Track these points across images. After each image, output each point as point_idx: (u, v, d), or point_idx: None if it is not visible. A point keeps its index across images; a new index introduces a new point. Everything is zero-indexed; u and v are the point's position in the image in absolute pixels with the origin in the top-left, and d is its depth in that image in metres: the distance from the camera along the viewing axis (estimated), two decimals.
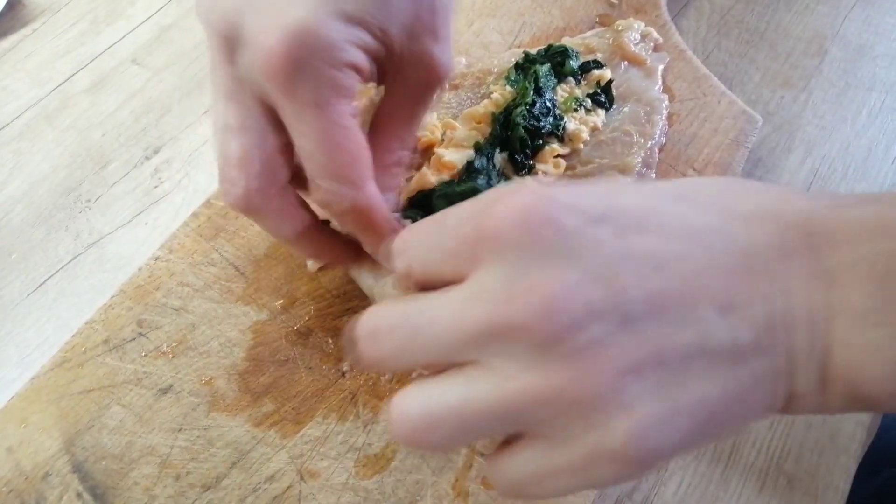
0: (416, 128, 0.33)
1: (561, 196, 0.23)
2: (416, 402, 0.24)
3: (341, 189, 0.29)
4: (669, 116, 0.47)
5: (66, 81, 0.54)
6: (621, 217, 0.24)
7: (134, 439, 0.36)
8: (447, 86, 0.44)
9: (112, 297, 0.40)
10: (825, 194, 0.24)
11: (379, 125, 0.33)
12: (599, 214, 0.23)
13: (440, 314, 0.24)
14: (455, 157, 0.41)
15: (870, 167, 0.49)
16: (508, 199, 0.23)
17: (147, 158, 0.49)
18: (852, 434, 0.39)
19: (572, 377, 0.22)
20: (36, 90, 0.53)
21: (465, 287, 0.24)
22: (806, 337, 0.23)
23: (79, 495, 0.34)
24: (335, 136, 0.28)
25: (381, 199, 0.31)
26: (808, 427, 0.39)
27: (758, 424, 0.39)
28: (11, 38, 0.56)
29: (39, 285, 0.44)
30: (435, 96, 0.33)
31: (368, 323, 0.25)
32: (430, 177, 0.42)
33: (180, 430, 0.36)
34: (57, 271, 0.45)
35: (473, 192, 0.40)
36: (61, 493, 0.34)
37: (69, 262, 0.45)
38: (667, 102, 0.47)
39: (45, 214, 0.47)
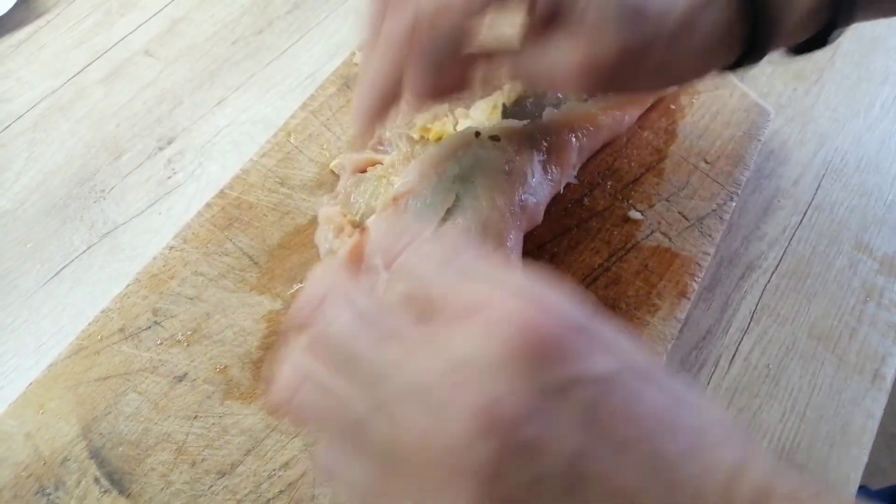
0: None
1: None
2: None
3: None
4: (681, 109, 0.47)
5: (80, 72, 0.54)
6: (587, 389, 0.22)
7: (150, 426, 0.36)
8: None
9: (127, 285, 0.40)
10: (789, 474, 0.22)
11: None
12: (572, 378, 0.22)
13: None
14: None
15: (882, 160, 0.49)
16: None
17: (160, 149, 0.50)
18: (863, 426, 0.39)
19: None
20: (50, 81, 0.53)
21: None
22: None
23: (96, 480, 0.35)
24: None
25: None
26: (819, 419, 0.39)
27: (768, 416, 0.39)
28: (26, 29, 0.56)
29: (55, 274, 0.44)
30: None
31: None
32: None
33: (196, 417, 0.36)
34: (72, 261, 0.45)
35: None
36: (79, 479, 0.35)
37: (84, 251, 0.45)
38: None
39: (60, 205, 0.47)
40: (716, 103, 0.48)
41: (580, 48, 0.30)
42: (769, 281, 0.44)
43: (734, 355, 0.41)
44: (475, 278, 0.24)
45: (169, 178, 0.48)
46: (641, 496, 0.21)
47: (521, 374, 0.21)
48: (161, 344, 0.39)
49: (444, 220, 0.38)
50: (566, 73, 0.31)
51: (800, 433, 0.38)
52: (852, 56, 0.54)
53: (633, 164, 0.45)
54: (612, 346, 0.23)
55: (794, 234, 0.45)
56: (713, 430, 0.23)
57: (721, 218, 0.43)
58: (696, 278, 0.41)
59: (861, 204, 0.47)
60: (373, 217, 0.40)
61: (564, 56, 0.31)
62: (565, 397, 0.21)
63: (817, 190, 0.47)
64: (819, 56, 0.54)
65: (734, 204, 0.44)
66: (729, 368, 0.40)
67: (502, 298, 0.23)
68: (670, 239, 0.42)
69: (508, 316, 0.22)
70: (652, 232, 0.42)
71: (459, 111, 0.45)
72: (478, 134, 0.41)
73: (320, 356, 0.24)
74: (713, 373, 0.41)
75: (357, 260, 0.39)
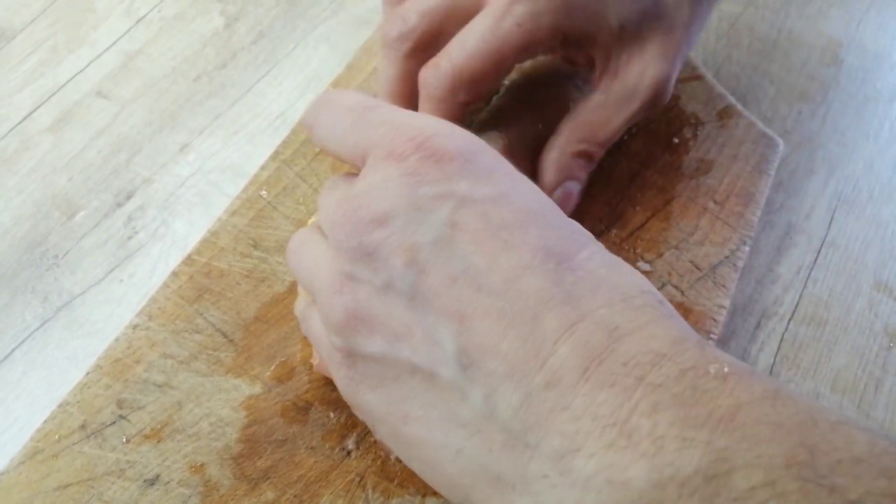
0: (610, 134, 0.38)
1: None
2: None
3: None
4: (685, 142, 0.44)
5: (25, 119, 0.49)
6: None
7: None
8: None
9: (87, 373, 0.36)
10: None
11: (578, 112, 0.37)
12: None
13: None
14: None
15: (895, 188, 0.46)
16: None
17: (119, 205, 0.45)
18: None
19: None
20: None
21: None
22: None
23: None
24: None
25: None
26: None
27: None
28: None
29: (6, 357, 0.40)
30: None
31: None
32: None
33: None
34: (24, 340, 0.40)
35: None
36: None
37: (38, 328, 0.41)
38: None
39: (9, 275, 0.43)
40: (721, 135, 0.45)
41: None
42: (786, 329, 0.41)
43: None
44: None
45: (130, 238, 0.44)
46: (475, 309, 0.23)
47: (396, 183, 0.24)
48: (128, 442, 0.34)
49: None
50: None
51: None
52: (857, 73, 0.51)
53: (637, 208, 0.41)
54: (498, 177, 0.25)
55: (809, 274, 0.43)
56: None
57: (735, 265, 0.40)
58: (712, 335, 0.38)
59: (877, 237, 0.44)
60: None
61: None
62: (438, 206, 0.24)
63: (830, 224, 0.44)
64: (823, 74, 0.51)
65: (748, 249, 0.40)
66: None
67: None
68: (682, 292, 0.39)
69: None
70: (663, 285, 0.39)
71: None
72: None
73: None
74: None
75: None
